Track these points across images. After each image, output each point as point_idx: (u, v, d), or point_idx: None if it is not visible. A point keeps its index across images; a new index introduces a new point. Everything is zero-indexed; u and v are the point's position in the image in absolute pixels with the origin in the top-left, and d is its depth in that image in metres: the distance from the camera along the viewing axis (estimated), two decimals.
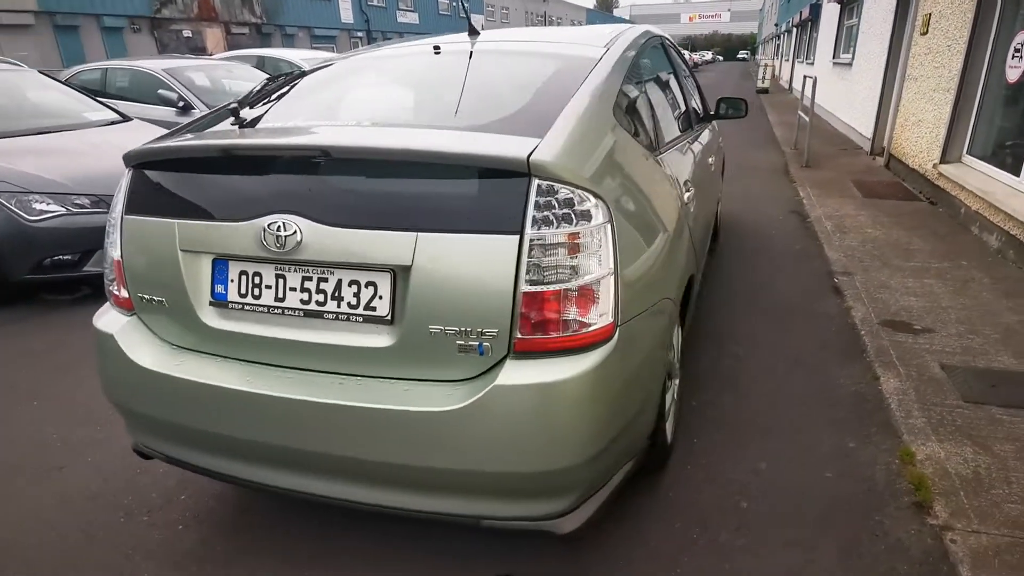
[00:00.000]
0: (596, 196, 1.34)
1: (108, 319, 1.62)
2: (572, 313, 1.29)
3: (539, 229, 1.27)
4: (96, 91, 6.77)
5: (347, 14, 26.44)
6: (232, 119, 1.66)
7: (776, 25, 29.05)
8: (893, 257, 3.98)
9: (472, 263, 1.28)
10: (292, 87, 1.94)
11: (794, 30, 19.05)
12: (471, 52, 1.99)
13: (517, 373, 1.28)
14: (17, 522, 1.90)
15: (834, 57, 10.80)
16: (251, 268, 1.44)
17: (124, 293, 1.59)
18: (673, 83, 2.72)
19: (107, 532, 1.86)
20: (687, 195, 2.07)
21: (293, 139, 1.47)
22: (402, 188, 1.36)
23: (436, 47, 2.05)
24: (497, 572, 1.67)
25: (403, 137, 1.46)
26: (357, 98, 1.92)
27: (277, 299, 1.43)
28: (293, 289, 1.41)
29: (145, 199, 1.55)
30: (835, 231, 4.59)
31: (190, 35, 20.39)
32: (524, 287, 1.27)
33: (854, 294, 3.41)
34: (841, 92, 9.81)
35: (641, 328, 1.46)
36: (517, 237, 1.27)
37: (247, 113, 1.71)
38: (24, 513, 1.95)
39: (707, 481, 2.00)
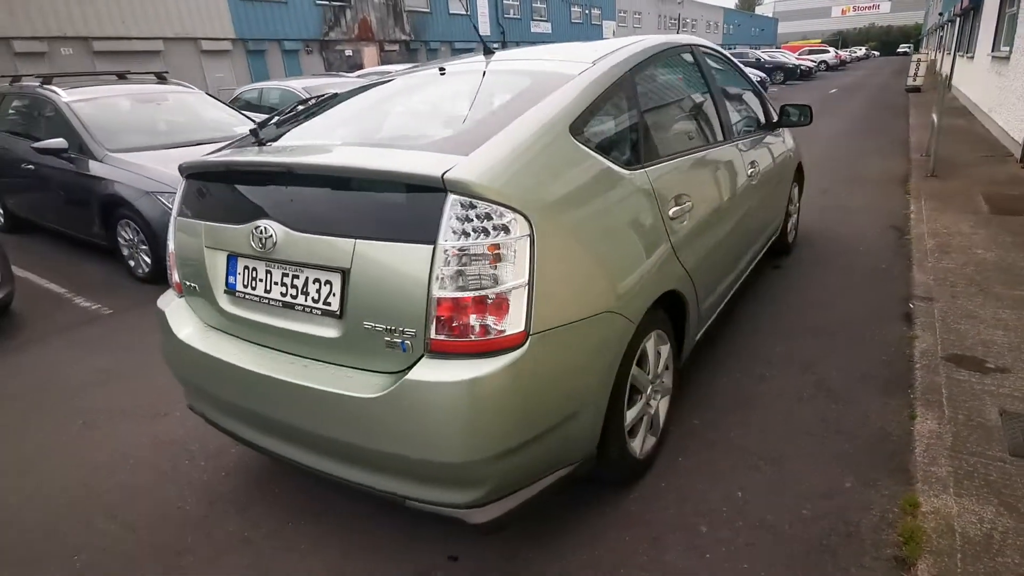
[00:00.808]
0: (516, 211, 1.40)
1: (164, 299, 1.99)
2: (482, 319, 1.37)
3: (455, 240, 1.36)
4: (255, 107, 7.86)
5: (484, 28, 27.57)
6: (253, 138, 1.92)
7: (940, 14, 25.25)
8: (996, 283, 3.40)
9: (396, 268, 1.42)
10: (302, 111, 2.17)
11: (956, 19, 16.46)
12: (465, 73, 2.09)
13: (427, 371, 1.39)
14: (112, 457, 2.36)
15: (992, 50, 9.22)
16: (251, 264, 1.69)
17: (176, 279, 1.92)
18: (697, 94, 2.62)
19: (173, 470, 2.26)
20: (676, 209, 1.99)
21: (273, 158, 1.70)
22: (347, 200, 1.55)
23: (442, 69, 2.18)
24: (448, 554, 1.77)
25: (343, 156, 1.64)
26: (343, 120, 2.12)
27: (266, 291, 1.66)
28: (276, 283, 1.64)
29: (189, 203, 1.87)
30: (935, 251, 4.01)
31: (350, 53, 22.69)
32: (436, 292, 1.37)
33: (926, 322, 2.99)
34: (996, 90, 8.37)
35: (568, 339, 1.49)
36: (431, 247, 1.38)
37: (265, 132, 1.96)
38: (125, 448, 2.40)
39: (676, 500, 1.93)
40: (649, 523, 1.85)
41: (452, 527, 1.84)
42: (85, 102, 4.86)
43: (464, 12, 26.60)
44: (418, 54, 24.93)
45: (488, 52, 2.32)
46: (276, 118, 2.09)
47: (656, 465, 2.09)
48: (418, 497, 1.52)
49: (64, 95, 4.89)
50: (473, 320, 1.37)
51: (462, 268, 1.36)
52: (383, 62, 22.70)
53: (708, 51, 2.88)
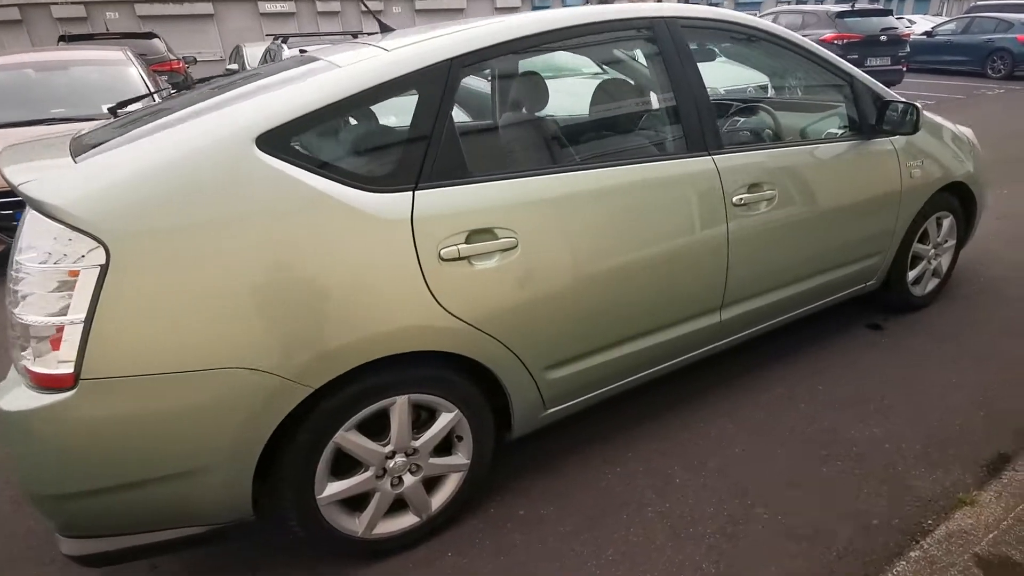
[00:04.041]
0: (90, 237, 1.19)
1: None
2: (40, 351, 1.22)
3: (27, 259, 1.22)
4: None
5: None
6: None
7: None
8: None
9: None
10: None
11: None
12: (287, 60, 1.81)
13: (10, 396, 1.27)
14: None
15: None
16: None
17: None
18: (640, 89, 1.91)
19: None
20: (465, 247, 1.50)
21: None
22: None
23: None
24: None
25: None
26: None
27: None
28: None
29: None
30: None
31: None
32: (10, 308, 1.25)
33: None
34: None
35: (162, 391, 1.25)
36: (16, 264, 1.25)
37: None
38: None
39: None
40: None
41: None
42: None
43: None
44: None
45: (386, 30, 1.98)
46: None
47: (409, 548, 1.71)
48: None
49: None
50: (35, 350, 1.22)
51: (30, 291, 1.21)
52: None
53: (703, 24, 2.04)
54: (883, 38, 9.23)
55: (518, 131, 1.91)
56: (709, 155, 1.94)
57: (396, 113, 1.64)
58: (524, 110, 1.97)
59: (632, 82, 2.24)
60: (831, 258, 2.38)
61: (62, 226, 1.19)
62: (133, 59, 4.99)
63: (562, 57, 4.57)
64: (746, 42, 2.23)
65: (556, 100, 1.98)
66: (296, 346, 1.34)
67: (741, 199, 1.98)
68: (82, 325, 1.19)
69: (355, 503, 1.61)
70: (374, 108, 1.56)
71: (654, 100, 2.05)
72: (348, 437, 1.49)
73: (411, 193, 1.47)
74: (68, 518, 1.34)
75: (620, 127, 2.15)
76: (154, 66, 7.46)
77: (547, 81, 1.99)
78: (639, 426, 2.20)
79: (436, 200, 1.49)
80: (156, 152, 1.28)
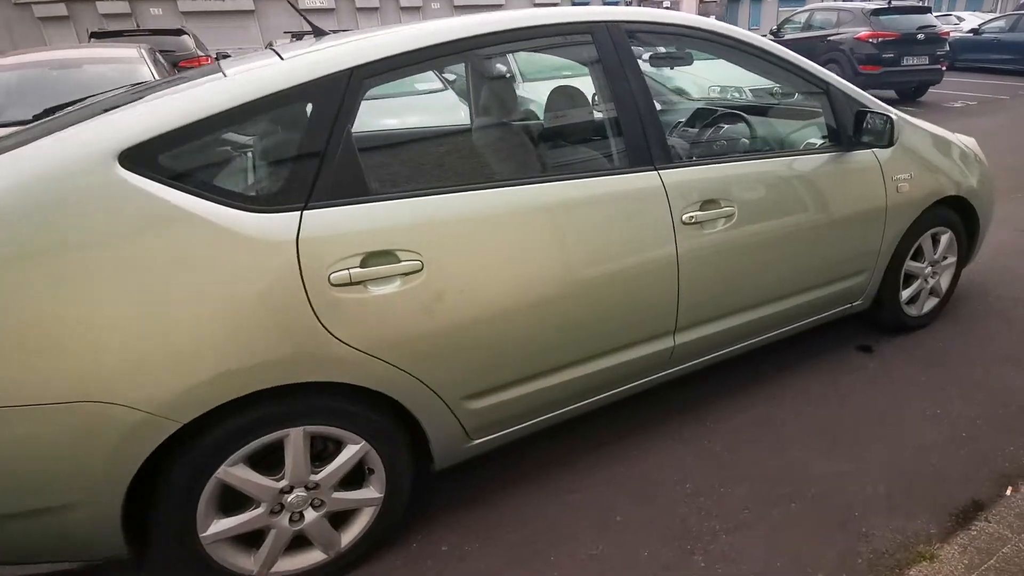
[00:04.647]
0: None
1: None
2: None
3: None
4: None
5: None
6: None
7: None
8: None
9: None
10: None
11: None
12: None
13: None
14: None
15: None
16: None
17: None
18: (571, 101, 1.81)
19: None
20: (358, 271, 1.39)
21: None
22: None
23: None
24: None
25: None
26: None
27: None
28: None
29: None
30: None
31: (668, 5, 21.25)
32: None
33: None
34: None
35: (4, 424, 1.17)
36: None
37: None
38: None
39: None
40: None
41: None
42: None
43: None
44: (738, 5, 21.85)
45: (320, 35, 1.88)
46: None
47: None
48: None
49: None
50: None
51: None
52: (701, 14, 20.63)
53: (652, 29, 1.90)
54: (921, 36, 8.79)
55: (430, 145, 1.81)
56: (655, 170, 1.79)
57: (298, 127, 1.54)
58: (438, 122, 1.85)
59: (568, 91, 2.10)
60: (805, 279, 2.20)
61: None
62: (146, 57, 4.98)
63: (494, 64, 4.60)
64: (708, 48, 2.07)
65: (478, 111, 1.86)
66: (159, 378, 1.25)
67: (692, 217, 1.83)
68: None
69: (252, 539, 1.52)
70: (266, 121, 1.46)
71: (592, 111, 1.92)
72: (233, 472, 1.40)
73: (299, 213, 1.37)
74: None
75: (550, 140, 2.02)
76: (183, 63, 7.52)
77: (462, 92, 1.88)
78: (585, 457, 2.07)
79: (328, 220, 1.39)
80: (8, 170, 1.21)
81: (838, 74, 2.39)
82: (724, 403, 2.29)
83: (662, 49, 2.49)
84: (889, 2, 9.15)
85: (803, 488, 1.86)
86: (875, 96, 2.34)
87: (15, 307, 1.16)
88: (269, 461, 1.47)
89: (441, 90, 3.80)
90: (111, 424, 1.23)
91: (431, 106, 3.18)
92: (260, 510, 1.48)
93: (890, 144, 2.10)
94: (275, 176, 1.41)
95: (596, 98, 1.93)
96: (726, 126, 2.37)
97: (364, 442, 1.54)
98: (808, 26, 10.15)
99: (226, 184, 1.37)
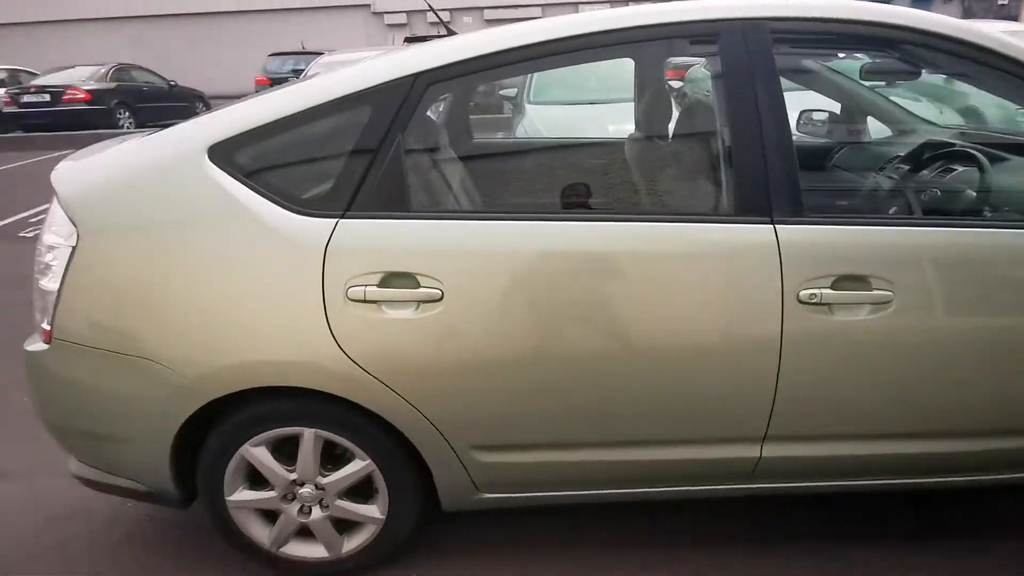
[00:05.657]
0: (71, 222, 1.44)
1: None
2: (40, 308, 1.54)
3: (45, 236, 1.52)
4: None
5: None
6: None
7: None
8: None
9: None
10: None
11: None
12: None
13: (31, 339, 1.61)
14: None
15: None
16: None
17: None
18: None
19: None
20: (357, 290, 1.36)
21: None
22: None
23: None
24: None
25: None
26: None
27: None
28: None
29: None
30: None
31: (1004, 2, 17.85)
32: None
33: None
34: None
35: (95, 363, 1.46)
36: None
37: None
38: None
39: None
40: None
41: None
42: None
43: None
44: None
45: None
46: None
47: None
48: None
49: None
50: (41, 309, 1.51)
51: (39, 259, 1.52)
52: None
53: (822, 29, 1.41)
54: None
55: (487, 164, 1.64)
56: (771, 223, 1.37)
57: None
58: (500, 138, 1.68)
59: (660, 110, 1.71)
60: (999, 414, 1.46)
61: (58, 208, 1.48)
62: None
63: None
64: (916, 58, 1.50)
65: (552, 129, 1.63)
66: (197, 353, 1.41)
67: (816, 295, 1.35)
68: (55, 295, 1.46)
69: (271, 517, 1.65)
70: (327, 126, 1.48)
71: (694, 138, 1.54)
72: (253, 452, 1.53)
73: (336, 221, 1.40)
74: (68, 446, 1.67)
75: (628, 170, 1.67)
76: None
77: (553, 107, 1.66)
78: (622, 549, 1.73)
79: (356, 232, 1.39)
80: (130, 155, 1.48)
81: None
82: (827, 548, 1.68)
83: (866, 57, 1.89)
84: None
85: None
86: None
87: (115, 267, 1.41)
88: (290, 452, 1.56)
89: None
90: (163, 383, 1.43)
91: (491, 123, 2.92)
92: (274, 493, 1.59)
93: None
94: (324, 181, 1.45)
95: (695, 121, 1.56)
96: (944, 170, 1.69)
97: (370, 461, 1.53)
98: None
99: (283, 184, 1.45)
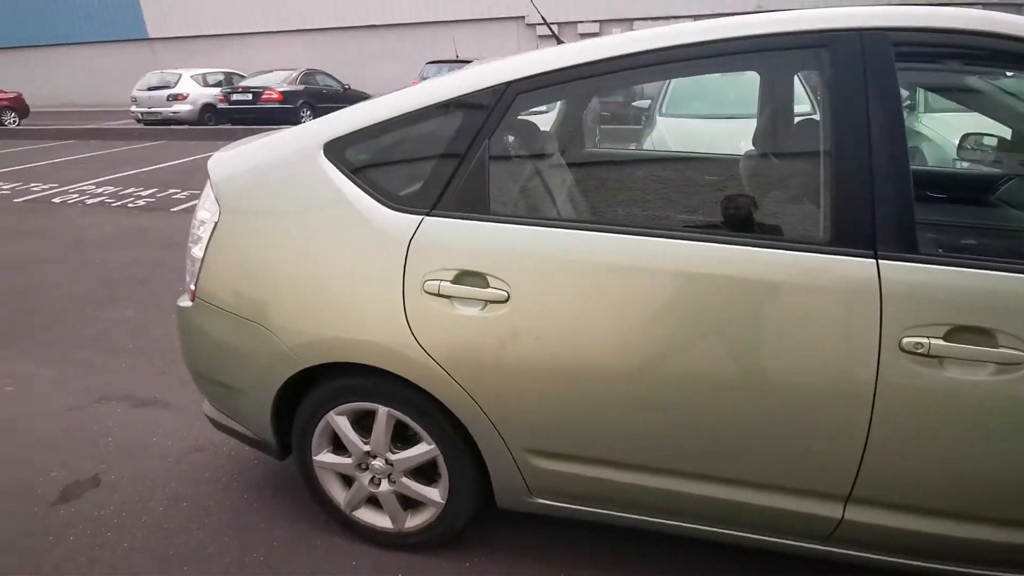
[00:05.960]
0: (216, 200, 1.72)
1: None
2: (189, 271, 1.84)
3: (199, 211, 1.84)
4: None
5: None
6: None
7: None
8: None
9: None
10: None
11: None
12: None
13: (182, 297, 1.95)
14: None
15: None
16: None
17: None
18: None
19: None
20: (449, 286, 1.45)
21: None
22: None
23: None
24: None
25: None
26: None
27: None
28: None
29: None
30: None
31: None
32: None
33: None
34: None
35: (221, 321, 1.71)
36: None
37: None
38: None
39: None
40: None
41: None
42: None
43: None
44: None
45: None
46: None
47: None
48: None
49: None
50: (190, 272, 1.80)
51: (192, 230, 1.81)
52: None
53: (947, 42, 1.21)
54: None
55: (568, 173, 1.61)
56: (874, 258, 1.21)
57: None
58: (584, 148, 1.62)
59: (774, 126, 1.53)
60: None
61: (210, 189, 1.76)
62: None
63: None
64: None
65: (682, 142, 1.56)
66: (296, 324, 1.60)
67: (922, 344, 1.17)
68: (200, 262, 1.75)
69: (350, 482, 1.82)
70: (426, 128, 1.58)
71: (800, 157, 1.38)
72: (336, 420, 1.70)
73: (422, 217, 1.50)
74: (204, 390, 1.99)
75: (716, 188, 1.53)
76: None
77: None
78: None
79: (438, 229, 1.48)
80: (266, 147, 1.71)
81: None
82: None
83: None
84: None
85: None
86: None
87: (243, 243, 1.65)
88: (368, 426, 1.71)
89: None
90: (270, 346, 1.65)
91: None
92: (350, 460, 1.75)
93: None
94: (417, 180, 1.56)
95: (797, 139, 1.40)
96: None
97: (435, 446, 1.62)
98: None
99: (382, 180, 1.58)
